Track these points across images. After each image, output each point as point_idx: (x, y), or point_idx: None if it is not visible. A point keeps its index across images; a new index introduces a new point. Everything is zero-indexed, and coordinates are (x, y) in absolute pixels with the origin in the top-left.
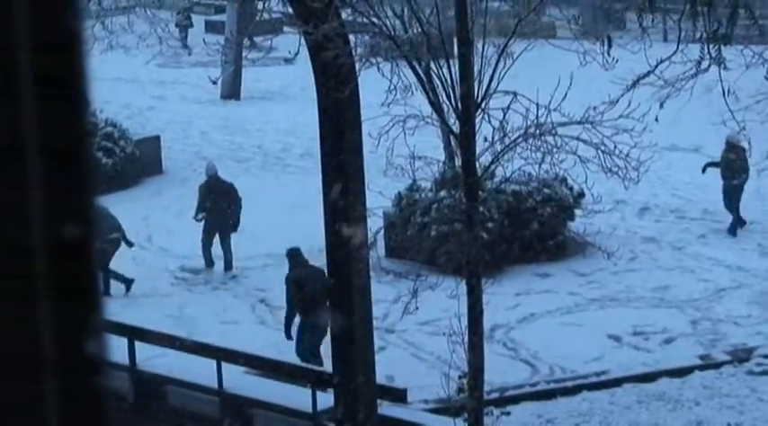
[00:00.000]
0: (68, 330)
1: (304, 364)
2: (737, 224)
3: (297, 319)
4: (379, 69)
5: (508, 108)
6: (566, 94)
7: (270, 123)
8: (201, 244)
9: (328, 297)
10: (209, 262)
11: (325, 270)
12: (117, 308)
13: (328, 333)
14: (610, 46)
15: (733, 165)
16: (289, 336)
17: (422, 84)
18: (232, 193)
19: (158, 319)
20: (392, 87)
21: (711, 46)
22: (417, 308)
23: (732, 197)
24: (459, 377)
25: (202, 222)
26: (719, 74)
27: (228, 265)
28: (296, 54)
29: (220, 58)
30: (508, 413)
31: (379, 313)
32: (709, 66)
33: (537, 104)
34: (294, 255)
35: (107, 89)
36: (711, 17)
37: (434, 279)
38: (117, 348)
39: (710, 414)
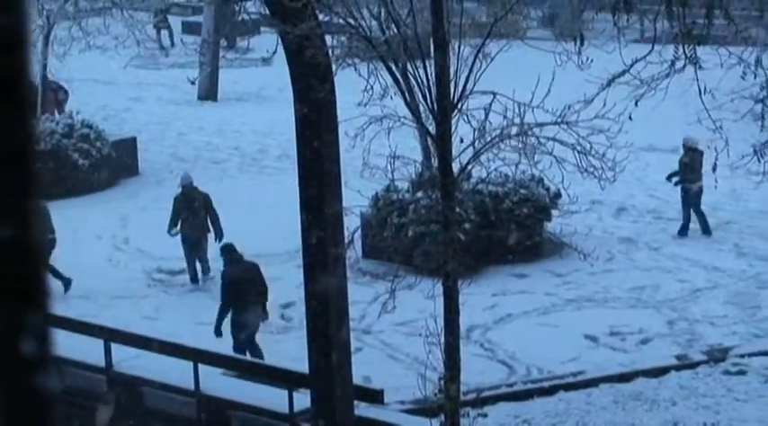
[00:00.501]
0: (9, 331)
1: (281, 366)
2: (703, 228)
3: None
4: (356, 69)
5: (490, 107)
6: (546, 94)
7: (247, 124)
8: (186, 259)
9: (258, 289)
10: (195, 279)
11: (258, 264)
12: (94, 310)
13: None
14: (582, 43)
15: (690, 169)
16: (218, 333)
17: (398, 84)
18: (208, 203)
19: (135, 321)
20: (368, 88)
21: (686, 46)
22: (395, 308)
23: (690, 201)
24: (440, 379)
25: (178, 236)
26: (696, 73)
27: (207, 270)
28: (273, 54)
29: (198, 59)
30: (485, 415)
31: (356, 314)
32: (684, 65)
33: (516, 103)
34: (229, 251)
35: (84, 90)
36: (687, 17)
37: (411, 279)
38: (93, 349)
39: (687, 414)
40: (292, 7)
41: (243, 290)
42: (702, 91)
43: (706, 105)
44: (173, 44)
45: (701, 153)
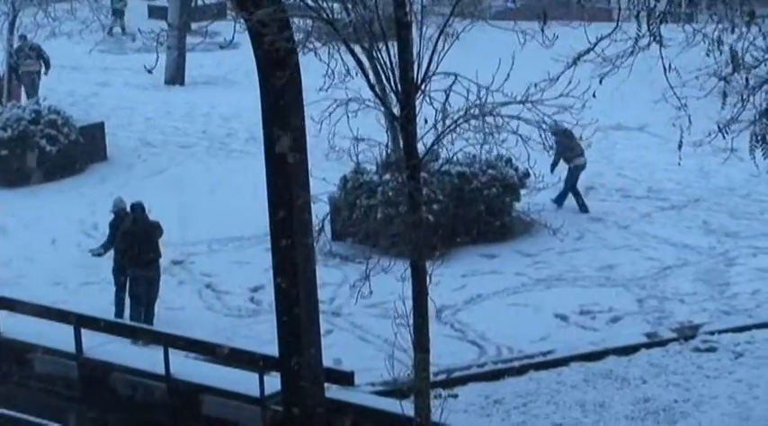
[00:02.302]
0: None
1: (251, 349)
2: (579, 206)
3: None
4: (316, 54)
5: (450, 88)
6: (508, 74)
7: (214, 108)
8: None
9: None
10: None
11: (160, 224)
12: (63, 295)
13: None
14: (545, 21)
15: (569, 149)
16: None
17: (361, 67)
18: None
19: (104, 306)
20: (330, 71)
21: (650, 23)
22: (371, 292)
23: (571, 178)
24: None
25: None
26: (660, 51)
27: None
28: (231, 40)
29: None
30: (456, 396)
31: (326, 296)
32: (649, 43)
33: (477, 85)
34: (134, 209)
35: (50, 76)
36: None
37: (384, 262)
38: (63, 335)
39: (657, 392)
40: None
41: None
42: (667, 68)
43: (671, 83)
44: (123, 32)
45: (570, 133)
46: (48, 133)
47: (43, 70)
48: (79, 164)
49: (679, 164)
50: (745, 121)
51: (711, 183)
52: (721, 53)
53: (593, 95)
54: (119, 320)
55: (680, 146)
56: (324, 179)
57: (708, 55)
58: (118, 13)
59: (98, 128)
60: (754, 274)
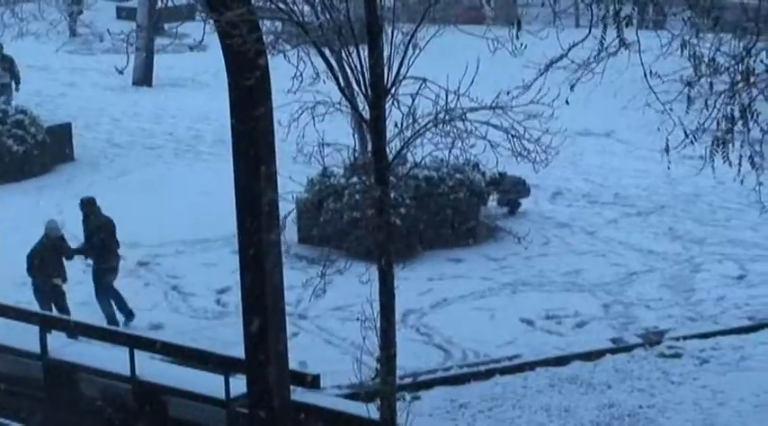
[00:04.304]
0: None
1: (217, 351)
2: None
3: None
4: (285, 56)
5: (417, 92)
6: (473, 79)
7: (182, 110)
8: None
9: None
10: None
11: (113, 221)
12: (29, 296)
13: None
14: (519, 29)
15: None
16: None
17: (331, 70)
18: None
19: (71, 307)
20: (299, 74)
21: (619, 28)
22: (325, 292)
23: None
24: (372, 379)
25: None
26: (637, 57)
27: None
28: (201, 41)
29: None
30: (418, 398)
31: (292, 299)
32: (618, 49)
33: (446, 90)
34: (86, 204)
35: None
36: (618, 1)
37: (346, 264)
38: (28, 336)
39: (622, 397)
40: None
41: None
42: (649, 73)
43: (642, 89)
44: (73, 34)
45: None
46: (14, 133)
47: (14, 86)
48: (46, 164)
49: (669, 168)
50: (711, 128)
51: (678, 190)
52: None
53: (566, 102)
54: (83, 321)
55: (667, 150)
56: (290, 177)
57: (690, 60)
58: (73, 15)
59: (65, 129)
60: (719, 280)
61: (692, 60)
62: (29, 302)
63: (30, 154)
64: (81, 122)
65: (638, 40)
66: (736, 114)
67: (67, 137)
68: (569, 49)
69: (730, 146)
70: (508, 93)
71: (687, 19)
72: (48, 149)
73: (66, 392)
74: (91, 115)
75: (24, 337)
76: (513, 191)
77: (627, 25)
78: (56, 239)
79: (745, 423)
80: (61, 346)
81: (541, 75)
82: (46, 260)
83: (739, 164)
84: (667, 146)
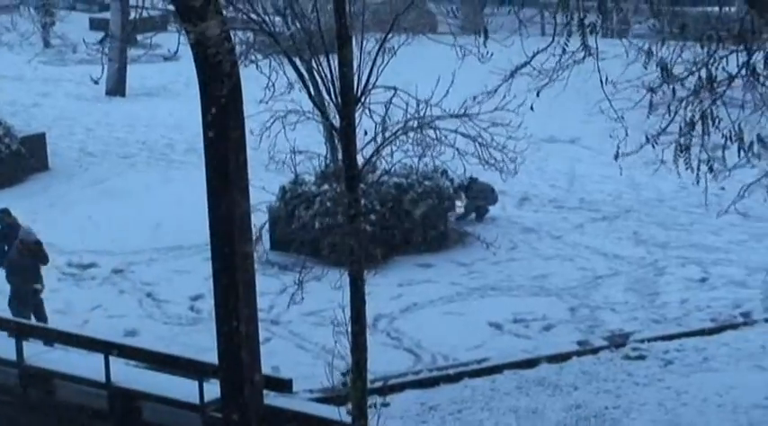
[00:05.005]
0: None
1: (191, 357)
2: None
3: None
4: (257, 67)
5: (390, 101)
6: (443, 86)
7: (155, 119)
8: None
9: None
10: None
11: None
12: (2, 304)
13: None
14: (486, 37)
15: None
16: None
17: (302, 79)
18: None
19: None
20: (271, 84)
21: (583, 36)
22: (303, 299)
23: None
24: (342, 374)
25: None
26: (597, 64)
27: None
28: (175, 53)
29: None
30: (387, 405)
31: (265, 304)
32: (584, 57)
33: (416, 99)
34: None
35: None
36: (582, 9)
37: (319, 270)
38: (4, 344)
39: (588, 398)
40: (194, 5)
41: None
42: (604, 82)
43: (604, 96)
44: (47, 45)
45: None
46: None
47: None
48: (20, 173)
49: (621, 174)
50: (674, 134)
51: (642, 195)
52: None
53: (531, 108)
54: (59, 328)
55: (616, 157)
56: (263, 188)
57: (645, 67)
58: (46, 26)
59: (39, 138)
60: (682, 284)
61: (656, 68)
62: (4, 310)
63: (4, 163)
64: (55, 132)
65: (597, 48)
66: (697, 119)
67: (42, 146)
68: (533, 56)
69: (692, 151)
70: (474, 98)
71: (651, 27)
72: (22, 159)
73: (42, 397)
74: (65, 125)
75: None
76: (480, 198)
77: (591, 33)
78: (31, 244)
79: (708, 423)
80: (37, 353)
81: (506, 81)
82: (23, 266)
83: (698, 169)
84: (618, 151)
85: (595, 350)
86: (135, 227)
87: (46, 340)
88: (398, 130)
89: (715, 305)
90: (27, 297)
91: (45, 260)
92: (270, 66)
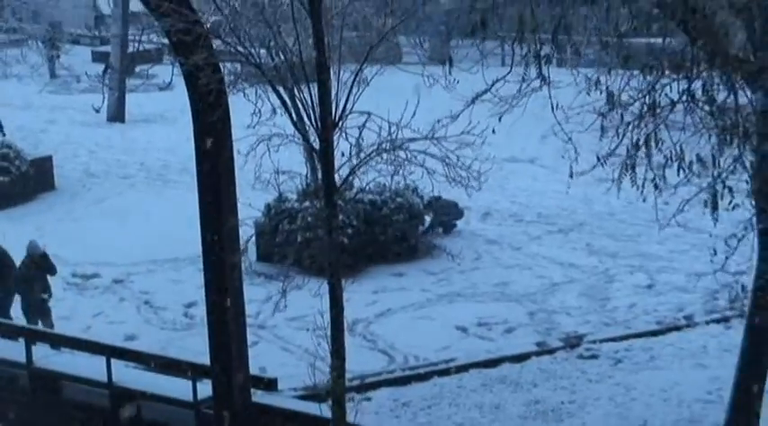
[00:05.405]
0: None
1: (185, 359)
2: None
3: None
4: (245, 95)
5: (364, 125)
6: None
7: (152, 143)
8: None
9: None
10: None
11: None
12: (15, 311)
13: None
14: (451, 65)
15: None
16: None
17: (285, 106)
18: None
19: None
20: (257, 110)
21: (539, 66)
22: (286, 306)
23: None
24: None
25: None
26: (549, 91)
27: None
28: (169, 83)
29: (103, 85)
30: (369, 399)
31: (252, 311)
32: (540, 86)
33: (388, 123)
34: None
35: (2, 114)
36: (537, 42)
37: (301, 279)
38: (15, 348)
39: (546, 395)
40: (187, 40)
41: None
42: (555, 106)
43: (558, 119)
44: (53, 76)
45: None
46: (0, 165)
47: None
48: (29, 193)
49: (567, 192)
50: (622, 155)
51: (594, 209)
52: (600, 92)
53: (493, 131)
54: (65, 333)
55: (571, 175)
56: (250, 204)
57: (588, 94)
58: (53, 59)
59: (47, 161)
60: (631, 290)
61: (602, 94)
62: (16, 317)
63: (15, 183)
64: (61, 155)
65: (549, 78)
66: (642, 142)
67: (49, 168)
68: (493, 84)
69: (638, 170)
70: (438, 122)
71: (599, 58)
72: (31, 179)
73: (50, 397)
74: (70, 148)
75: (12, 348)
76: (445, 214)
77: (546, 63)
78: (37, 257)
79: (654, 415)
80: (45, 356)
81: (468, 106)
82: (30, 277)
83: (643, 186)
84: (572, 170)
85: (552, 351)
86: (134, 241)
87: (53, 344)
88: (372, 152)
89: (660, 309)
90: (35, 305)
91: (52, 271)
92: (256, 94)
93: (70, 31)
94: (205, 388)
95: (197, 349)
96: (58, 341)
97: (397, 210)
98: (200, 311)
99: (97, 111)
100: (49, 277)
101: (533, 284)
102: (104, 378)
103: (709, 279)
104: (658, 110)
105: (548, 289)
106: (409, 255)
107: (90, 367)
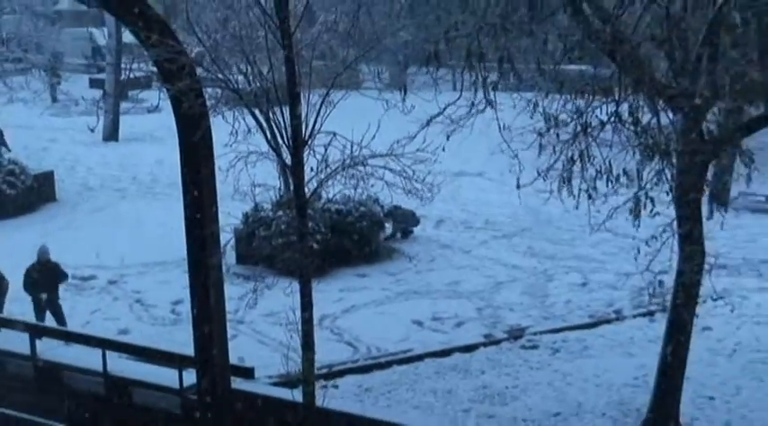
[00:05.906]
0: None
1: (172, 350)
2: None
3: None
4: (223, 117)
5: (329, 144)
6: (373, 132)
7: (142, 159)
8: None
9: None
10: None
11: None
12: (19, 309)
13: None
14: (405, 92)
15: None
16: None
17: (260, 126)
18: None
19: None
20: (234, 130)
21: (485, 91)
22: (256, 303)
23: None
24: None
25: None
26: (495, 113)
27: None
28: (157, 106)
29: (97, 108)
30: (336, 386)
31: (232, 308)
32: (485, 108)
33: (351, 142)
34: None
35: (9, 134)
36: (484, 70)
37: (275, 280)
38: (21, 342)
39: (493, 381)
40: (172, 68)
41: None
42: (501, 127)
43: (504, 138)
44: (54, 100)
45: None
46: (8, 180)
47: (3, 150)
48: (33, 204)
49: (518, 203)
50: (559, 169)
51: (535, 217)
52: (540, 114)
53: (443, 149)
54: (69, 329)
55: (518, 186)
56: (229, 213)
57: (531, 117)
58: (54, 85)
59: (49, 176)
60: (567, 288)
61: (541, 116)
62: (21, 314)
63: (20, 196)
64: (61, 170)
65: (495, 101)
66: (576, 157)
67: (51, 182)
68: (445, 108)
69: (573, 182)
70: (398, 142)
71: (539, 83)
72: (35, 192)
73: (52, 385)
74: (69, 164)
75: (18, 342)
76: (403, 222)
77: (492, 89)
78: (45, 261)
79: (588, 399)
80: (47, 349)
81: (423, 128)
82: (37, 278)
83: (578, 196)
84: (518, 183)
85: (498, 342)
86: (127, 246)
87: (54, 338)
88: (338, 167)
89: (593, 304)
90: (46, 306)
91: (62, 277)
92: (234, 115)
93: (69, 60)
94: (190, 376)
95: (183, 341)
96: (60, 336)
97: (360, 218)
98: (186, 308)
99: (92, 131)
100: (60, 283)
101: (481, 283)
102: (100, 368)
103: (636, 277)
104: (590, 130)
105: (494, 288)
106: (371, 258)
107: (87, 358)
